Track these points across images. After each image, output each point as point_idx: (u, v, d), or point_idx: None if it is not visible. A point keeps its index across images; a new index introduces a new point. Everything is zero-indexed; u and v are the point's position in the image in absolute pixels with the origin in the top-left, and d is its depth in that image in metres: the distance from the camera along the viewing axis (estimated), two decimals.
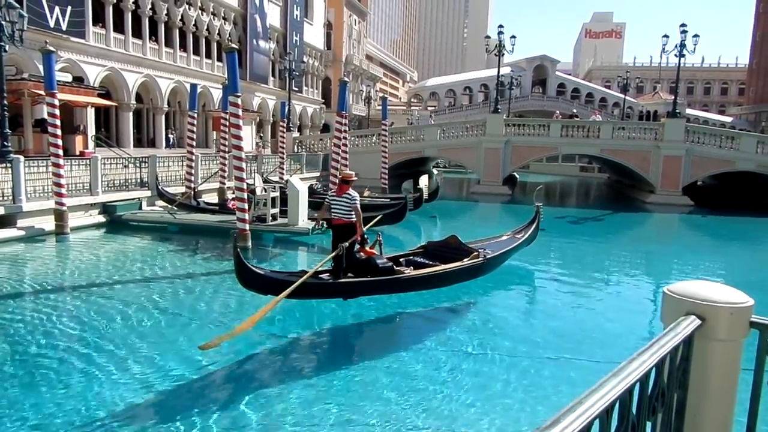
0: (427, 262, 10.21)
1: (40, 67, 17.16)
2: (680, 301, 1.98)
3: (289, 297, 8.07)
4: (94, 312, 8.89)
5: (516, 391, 6.55)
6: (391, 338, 8.71)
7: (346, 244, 8.75)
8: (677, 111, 31.30)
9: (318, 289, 8.44)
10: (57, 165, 14.55)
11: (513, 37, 32.97)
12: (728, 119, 66.97)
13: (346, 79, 21.19)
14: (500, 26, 31.83)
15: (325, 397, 6.25)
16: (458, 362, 7.35)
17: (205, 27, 35.02)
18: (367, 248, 9.46)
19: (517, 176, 39.65)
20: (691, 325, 1.86)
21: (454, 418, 5.88)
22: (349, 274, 8.91)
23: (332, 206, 9.43)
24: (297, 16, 46.35)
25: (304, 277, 8.14)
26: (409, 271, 9.57)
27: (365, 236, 9.61)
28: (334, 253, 8.64)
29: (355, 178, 9.73)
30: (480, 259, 10.28)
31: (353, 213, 9.25)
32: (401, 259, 10.24)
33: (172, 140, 33.01)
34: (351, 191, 9.35)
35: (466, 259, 10.16)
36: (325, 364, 7.45)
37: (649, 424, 1.71)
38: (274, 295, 7.98)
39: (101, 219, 16.47)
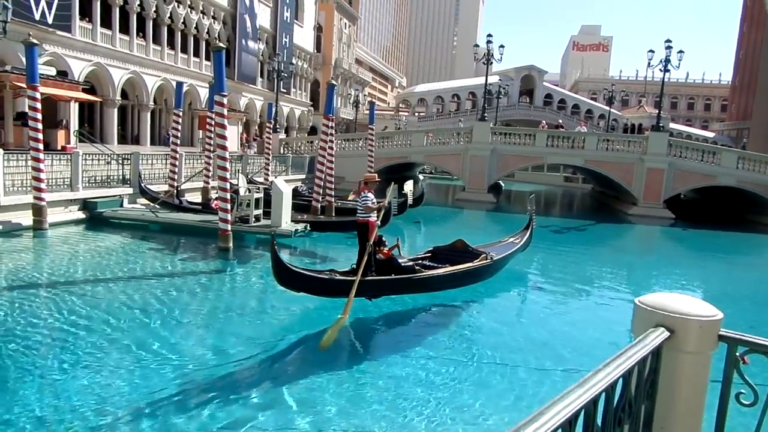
0: (436, 265, 10.50)
1: (24, 60, 16.91)
2: (650, 312, 1.98)
3: (317, 294, 8.89)
4: (70, 309, 8.74)
5: (494, 398, 6.60)
6: (389, 344, 8.73)
7: (371, 241, 9.00)
8: (661, 125, 31.74)
9: (348, 288, 8.27)
10: (37, 159, 14.33)
11: (501, 46, 33.20)
12: (711, 134, 67.93)
13: (334, 82, 21.16)
14: (489, 35, 32.05)
15: (326, 400, 6.28)
16: (442, 368, 7.39)
17: (194, 25, 34.78)
18: (385, 250, 9.69)
19: (502, 184, 39.83)
20: (660, 337, 1.86)
21: (437, 423, 5.88)
22: (373, 274, 9.13)
23: (357, 207, 9.86)
24: (287, 17, 46.24)
25: (357, 278, 8.30)
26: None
27: (383, 238, 9.79)
28: (366, 253, 8.87)
29: (378, 180, 10.17)
30: (488, 260, 10.76)
31: (370, 213, 9.55)
32: (411, 263, 10.42)
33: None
34: (366, 192, 9.68)
35: (476, 261, 10.59)
36: (328, 367, 7.35)
37: None
38: (307, 293, 8.81)
39: (81, 215, 16.22)
